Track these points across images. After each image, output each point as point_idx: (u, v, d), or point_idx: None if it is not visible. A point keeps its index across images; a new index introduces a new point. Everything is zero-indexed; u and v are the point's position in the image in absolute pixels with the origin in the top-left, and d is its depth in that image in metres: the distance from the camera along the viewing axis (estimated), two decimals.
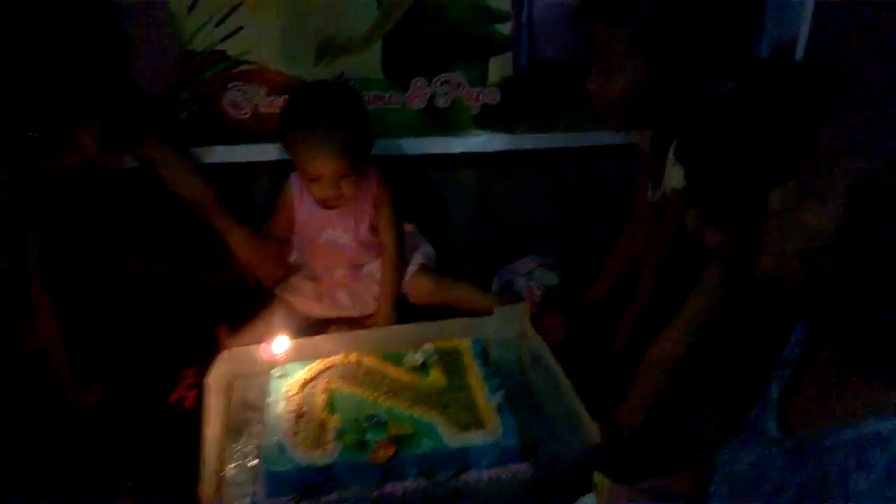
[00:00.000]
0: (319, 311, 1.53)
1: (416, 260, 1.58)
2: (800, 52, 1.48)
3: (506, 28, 1.49)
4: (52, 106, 1.06)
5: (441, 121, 1.58)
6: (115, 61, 1.12)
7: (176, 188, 1.45)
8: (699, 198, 1.02)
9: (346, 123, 1.37)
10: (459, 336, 1.38)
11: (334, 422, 1.17)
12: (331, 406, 1.22)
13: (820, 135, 0.73)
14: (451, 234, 1.69)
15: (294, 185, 1.49)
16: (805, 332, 0.86)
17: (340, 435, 1.15)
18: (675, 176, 1.18)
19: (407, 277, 1.56)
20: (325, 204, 1.46)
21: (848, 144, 0.70)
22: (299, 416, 1.19)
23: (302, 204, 1.49)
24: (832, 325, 0.75)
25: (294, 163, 1.42)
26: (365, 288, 1.55)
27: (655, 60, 1.10)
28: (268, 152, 1.54)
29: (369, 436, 1.15)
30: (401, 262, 1.55)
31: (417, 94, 1.55)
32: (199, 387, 1.29)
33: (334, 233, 1.51)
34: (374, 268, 1.56)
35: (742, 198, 0.96)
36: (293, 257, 1.57)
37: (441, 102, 1.56)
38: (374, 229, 1.53)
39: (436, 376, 1.28)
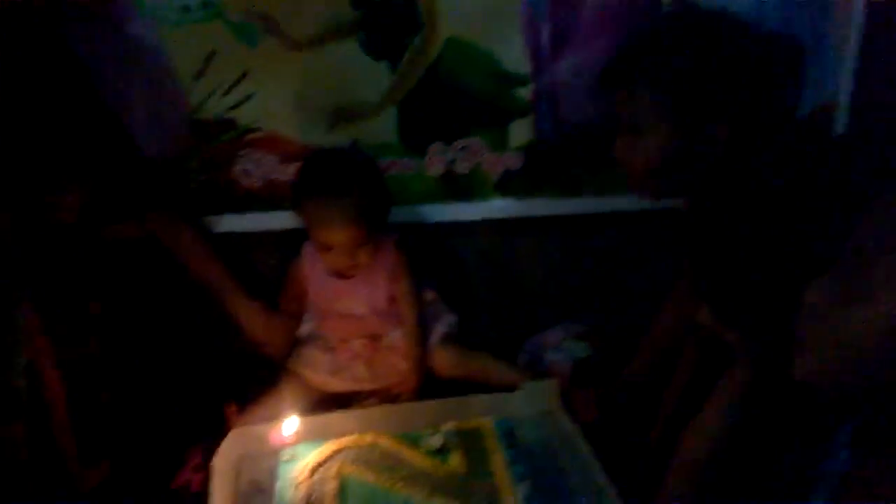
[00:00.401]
0: (336, 384, 1.46)
1: (439, 330, 1.50)
2: (840, 119, 1.41)
3: (526, 92, 1.44)
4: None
5: (460, 187, 1.52)
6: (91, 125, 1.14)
7: (182, 260, 1.40)
8: (710, 294, 0.95)
9: (360, 190, 1.31)
10: (483, 414, 1.30)
11: None
12: (342, 495, 1.14)
13: (858, 225, 0.66)
14: (474, 303, 1.62)
15: (306, 255, 1.44)
16: (849, 438, 0.77)
17: None
18: None
19: (431, 348, 1.48)
20: (339, 274, 1.40)
21: (892, 235, 0.63)
22: None
23: (314, 274, 1.44)
24: (882, 433, 0.66)
25: (307, 231, 1.37)
26: (384, 359, 1.48)
27: (683, 125, 1.01)
28: (280, 220, 1.49)
29: None
30: (421, 333, 1.48)
31: (435, 161, 1.50)
32: (205, 469, 1.22)
33: (350, 303, 1.45)
34: (393, 338, 1.49)
35: (761, 295, 0.88)
36: (308, 328, 1.51)
37: (460, 168, 1.51)
38: (391, 299, 1.46)
39: (456, 461, 1.20)
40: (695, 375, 1.19)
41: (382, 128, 1.46)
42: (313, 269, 1.43)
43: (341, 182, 1.31)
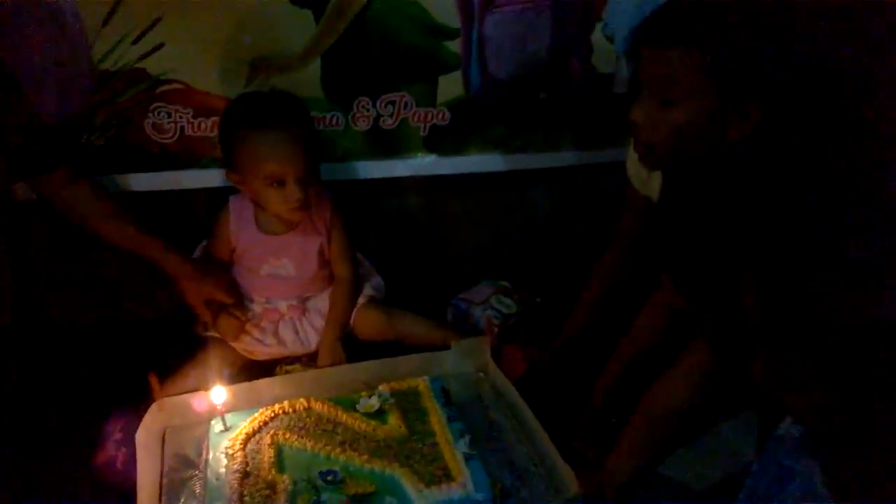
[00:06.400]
0: (261, 351, 1.41)
1: (365, 292, 1.47)
2: None
3: (455, 45, 1.41)
4: None
5: (387, 143, 1.48)
6: None
7: (87, 222, 1.30)
8: (671, 266, 0.94)
9: (303, 121, 1.29)
10: (415, 374, 1.29)
11: (284, 482, 1.06)
12: (279, 463, 1.11)
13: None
14: (399, 263, 1.59)
15: (234, 210, 1.37)
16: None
17: (293, 498, 1.04)
18: None
19: (354, 311, 1.45)
20: (287, 215, 1.33)
21: None
22: (244, 476, 1.08)
23: (241, 232, 1.37)
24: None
25: (248, 173, 1.27)
26: (311, 324, 1.43)
27: (720, 98, 0.92)
28: (197, 179, 1.41)
29: (325, 497, 1.04)
30: (354, 294, 1.45)
31: (361, 115, 1.45)
32: (128, 444, 1.16)
33: (278, 263, 1.39)
34: (319, 301, 1.45)
35: (725, 281, 0.87)
36: None
37: (387, 124, 1.47)
38: (322, 260, 1.42)
39: (394, 423, 1.18)
40: (652, 339, 1.22)
41: (306, 81, 1.39)
42: (241, 225, 1.37)
43: (285, 112, 1.27)
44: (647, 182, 1.19)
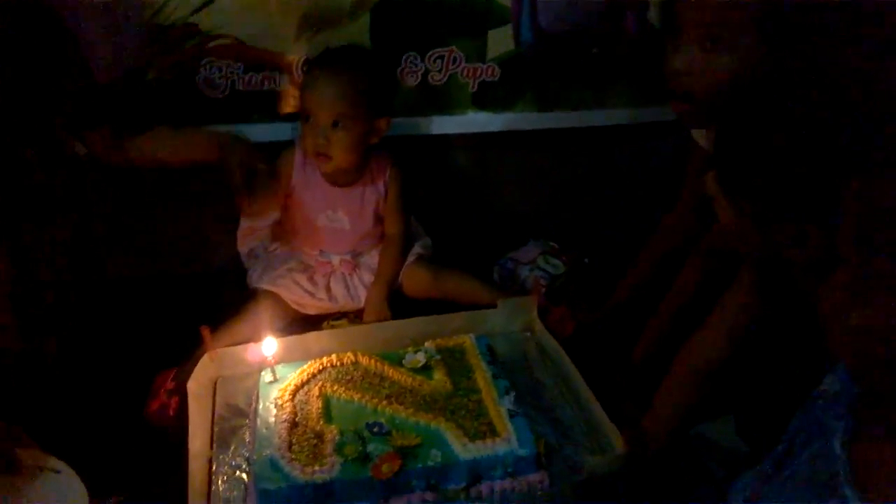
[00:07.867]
0: (312, 304, 1.43)
1: (414, 250, 1.48)
2: None
3: None
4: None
5: (436, 99, 1.48)
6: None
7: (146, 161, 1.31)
8: (722, 161, 0.88)
9: (362, 68, 1.31)
10: (461, 331, 1.29)
11: (332, 432, 1.08)
12: (327, 414, 1.12)
13: None
14: (446, 221, 1.59)
15: (298, 152, 1.40)
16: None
17: (340, 447, 1.05)
18: None
19: (403, 269, 1.46)
20: (315, 158, 1.35)
21: None
22: (293, 425, 1.10)
23: (304, 175, 1.40)
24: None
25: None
26: (361, 280, 1.45)
27: (771, 43, 0.87)
28: (248, 134, 1.42)
29: (371, 447, 1.05)
30: (403, 252, 1.47)
31: (409, 71, 1.44)
32: (180, 393, 1.19)
33: (334, 215, 1.42)
34: (371, 258, 1.47)
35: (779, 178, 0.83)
36: (283, 249, 1.47)
37: (435, 79, 1.46)
38: (377, 217, 1.44)
39: (440, 378, 1.19)
40: (692, 296, 1.20)
41: (354, 35, 1.39)
42: (305, 169, 1.40)
43: (339, 58, 1.32)
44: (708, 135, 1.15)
